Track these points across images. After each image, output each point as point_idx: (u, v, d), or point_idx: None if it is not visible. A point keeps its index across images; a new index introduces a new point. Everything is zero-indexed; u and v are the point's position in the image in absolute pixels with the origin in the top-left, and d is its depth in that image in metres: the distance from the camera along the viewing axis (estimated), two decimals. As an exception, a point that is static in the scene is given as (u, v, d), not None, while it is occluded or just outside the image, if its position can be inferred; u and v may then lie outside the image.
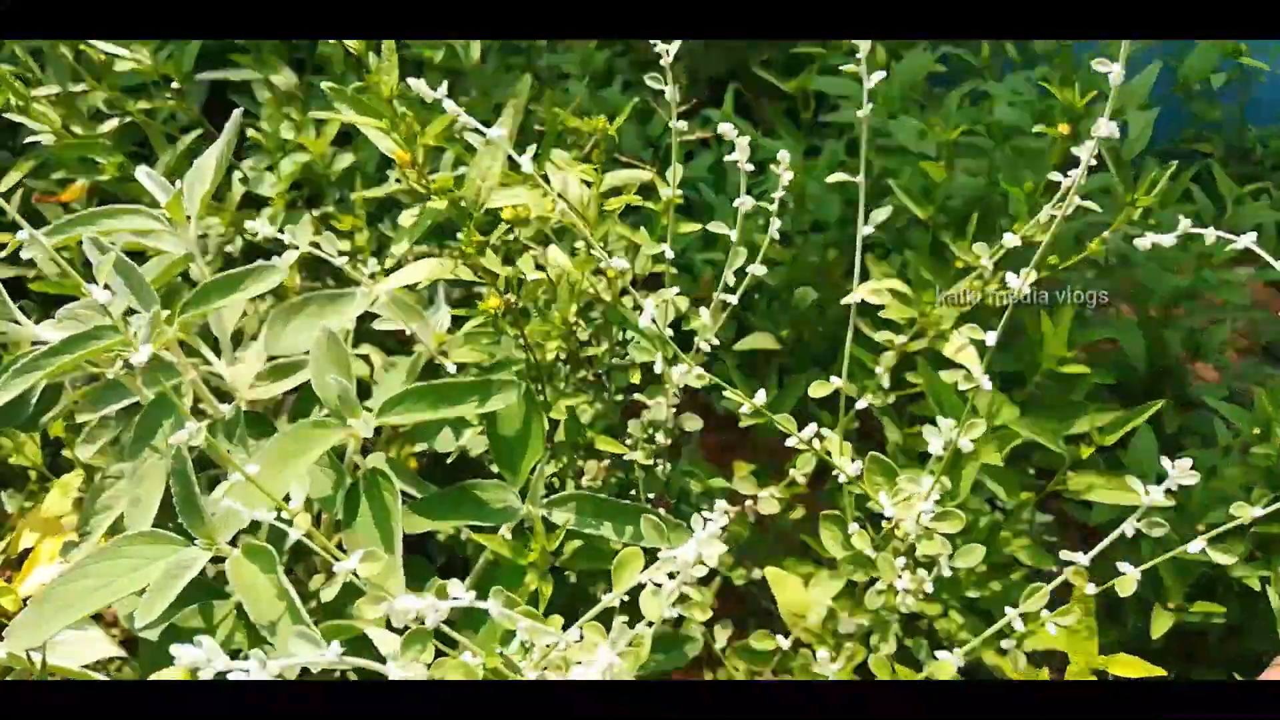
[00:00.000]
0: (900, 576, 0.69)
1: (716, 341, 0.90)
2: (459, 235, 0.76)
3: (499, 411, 0.83)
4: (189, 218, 0.83)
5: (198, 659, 0.38)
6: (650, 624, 0.61)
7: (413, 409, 0.76)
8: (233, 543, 0.69)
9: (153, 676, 0.69)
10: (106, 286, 0.69)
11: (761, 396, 0.71)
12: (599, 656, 0.48)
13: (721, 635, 0.92)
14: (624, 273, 0.97)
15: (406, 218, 0.71)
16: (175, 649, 0.38)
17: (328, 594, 0.72)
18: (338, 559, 0.60)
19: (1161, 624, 1.21)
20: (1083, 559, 0.64)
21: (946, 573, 0.72)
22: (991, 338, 0.64)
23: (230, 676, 0.46)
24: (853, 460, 0.75)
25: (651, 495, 1.01)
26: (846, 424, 1.18)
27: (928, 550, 0.67)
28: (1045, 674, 0.96)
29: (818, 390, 0.80)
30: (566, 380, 0.92)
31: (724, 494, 1.07)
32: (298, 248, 0.76)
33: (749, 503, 1.04)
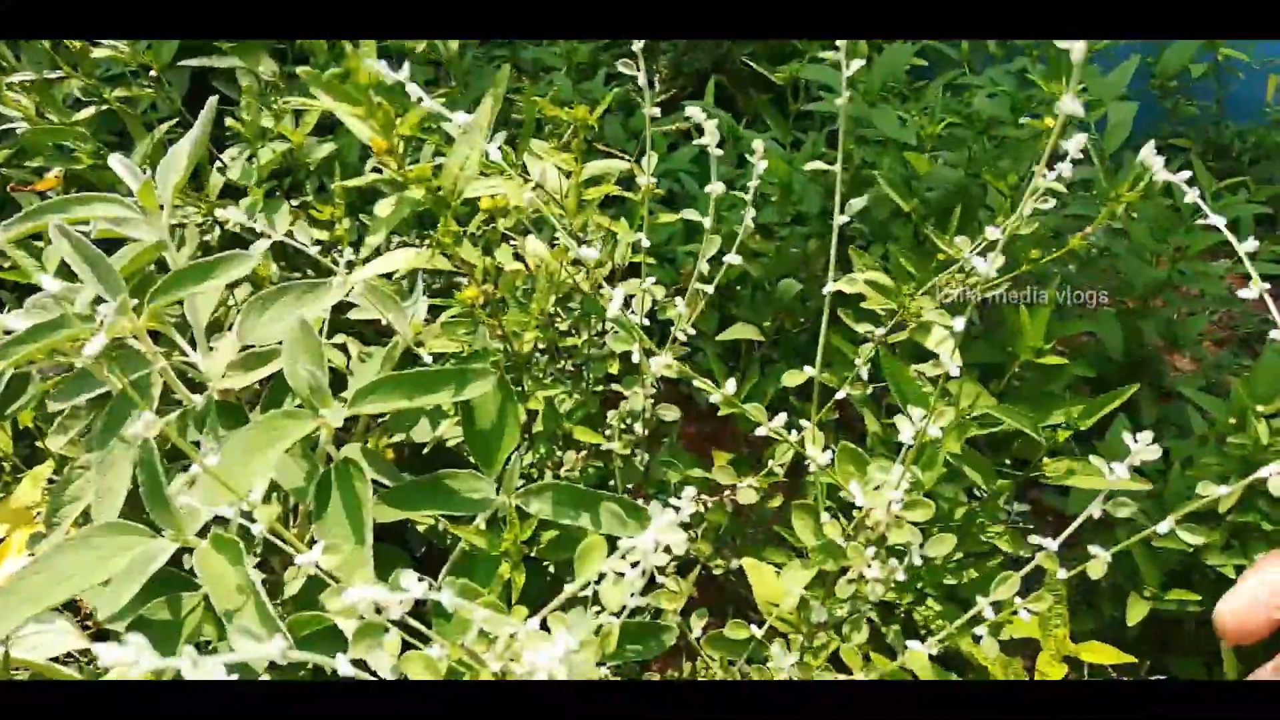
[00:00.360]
0: (870, 565, 0.67)
1: (693, 331, 0.88)
2: (439, 225, 0.74)
3: (474, 401, 0.81)
4: (162, 205, 0.80)
5: (123, 659, 0.35)
6: (617, 614, 0.59)
7: (386, 398, 0.74)
8: (203, 533, 0.67)
9: (112, 674, 0.67)
10: (70, 273, 0.67)
11: (732, 386, 0.69)
12: (556, 644, 0.46)
13: (697, 624, 0.90)
14: (601, 263, 0.95)
15: (383, 207, 0.69)
16: (100, 648, 0.35)
17: (293, 587, 0.70)
18: (302, 552, 0.58)
19: (1137, 611, 1.19)
20: (1052, 544, 0.62)
21: (917, 561, 0.70)
22: (959, 323, 0.62)
23: (184, 674, 0.44)
24: (825, 449, 0.73)
25: (630, 485, 0.99)
26: (825, 415, 1.16)
27: (897, 539, 0.65)
28: (1019, 663, 0.94)
29: (791, 379, 0.78)
30: (544, 371, 0.90)
31: (702, 484, 1.05)
32: (270, 236, 0.74)
33: (727, 493, 1.02)
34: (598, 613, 0.66)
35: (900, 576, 0.74)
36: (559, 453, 0.97)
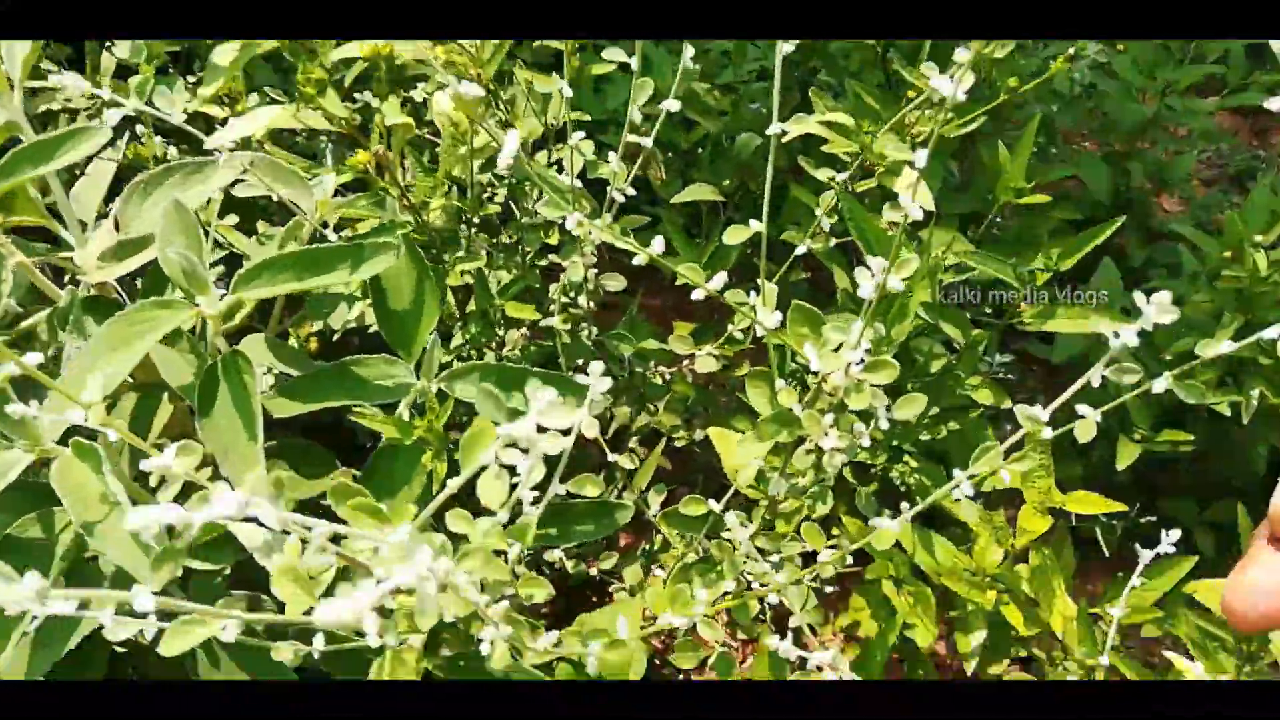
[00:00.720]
0: (827, 434, 0.55)
1: (633, 190, 0.74)
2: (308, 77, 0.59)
3: (385, 280, 0.68)
4: (12, 84, 0.66)
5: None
6: (522, 509, 0.48)
7: (273, 282, 0.61)
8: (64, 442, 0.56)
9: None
10: None
11: (660, 244, 0.56)
12: (417, 558, 0.34)
13: (655, 501, 0.79)
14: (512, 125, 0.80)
15: (223, 54, 0.54)
16: None
17: (165, 495, 0.59)
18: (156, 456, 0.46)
19: (1127, 455, 1.08)
20: (1042, 414, 0.49)
21: (884, 425, 0.58)
22: (921, 157, 0.48)
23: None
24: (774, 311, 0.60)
25: (580, 362, 0.87)
26: (793, 275, 1.03)
27: (856, 404, 0.53)
28: (1001, 516, 0.83)
29: (734, 235, 0.65)
30: (469, 244, 0.77)
31: (661, 355, 0.92)
32: (122, 106, 0.60)
33: (685, 363, 0.90)
34: (537, 500, 0.55)
35: (865, 443, 0.62)
36: (500, 331, 0.85)
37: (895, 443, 0.97)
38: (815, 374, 0.54)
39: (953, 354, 0.95)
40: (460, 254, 0.72)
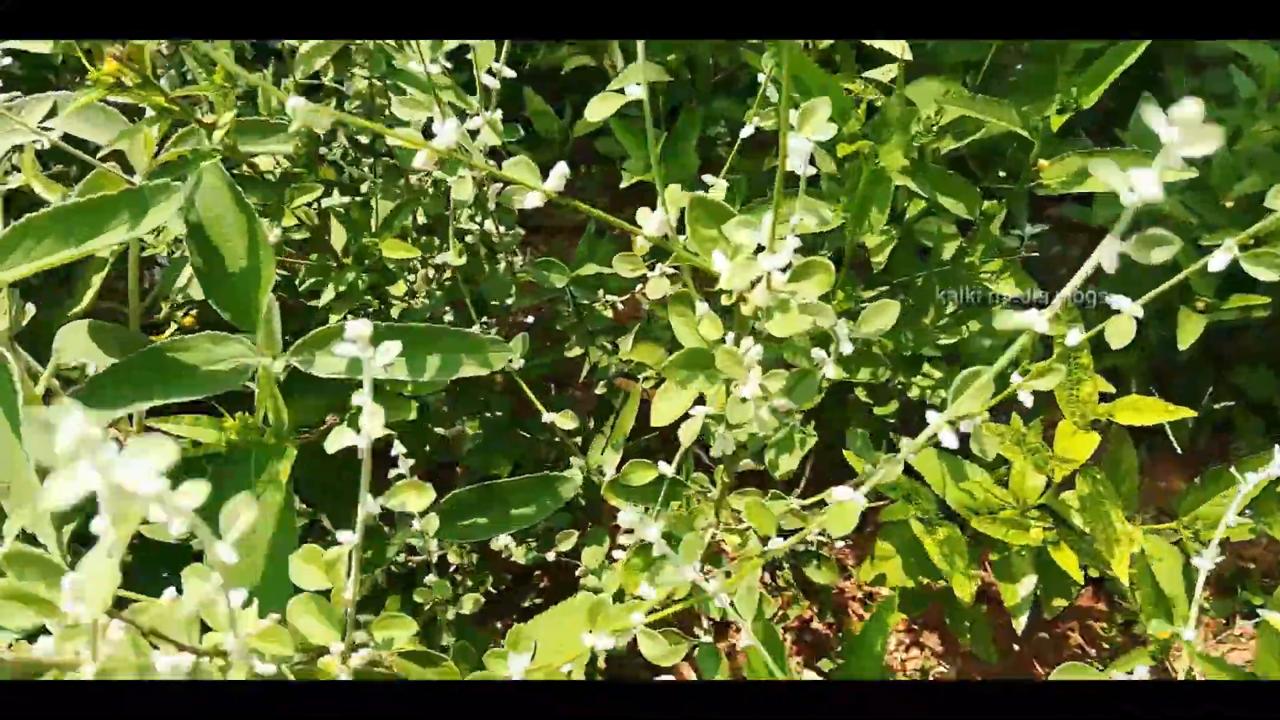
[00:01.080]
0: (748, 375, 0.37)
1: (511, 73, 0.56)
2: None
3: (208, 229, 0.52)
4: None
5: None
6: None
7: (34, 253, 0.45)
8: None
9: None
10: None
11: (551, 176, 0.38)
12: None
13: (610, 464, 0.63)
14: None
15: None
16: None
17: None
18: None
19: (1191, 330, 0.87)
20: (1039, 321, 0.32)
21: (846, 348, 0.40)
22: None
23: None
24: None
25: (509, 302, 0.69)
26: (766, 160, 0.84)
27: (782, 330, 0.35)
28: (1036, 432, 0.64)
29: (597, 109, 0.46)
30: (334, 171, 0.59)
31: (608, 282, 0.75)
32: None
33: (639, 288, 0.72)
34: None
35: (829, 372, 0.45)
36: (412, 277, 0.68)
37: (909, 352, 0.79)
38: (728, 293, 0.37)
39: (965, 235, 0.75)
40: (298, 185, 0.54)
